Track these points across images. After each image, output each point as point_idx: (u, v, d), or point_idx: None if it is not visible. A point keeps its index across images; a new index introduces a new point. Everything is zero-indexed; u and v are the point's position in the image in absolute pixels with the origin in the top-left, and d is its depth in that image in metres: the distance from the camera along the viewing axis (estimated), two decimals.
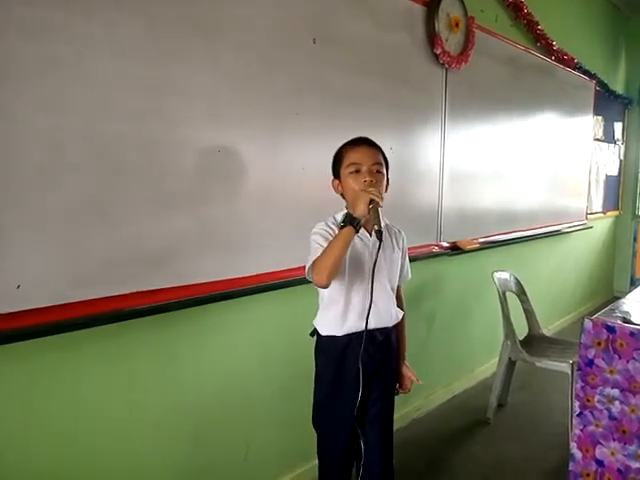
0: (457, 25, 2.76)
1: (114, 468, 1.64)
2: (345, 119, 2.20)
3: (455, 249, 3.00)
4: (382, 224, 1.42)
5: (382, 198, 1.45)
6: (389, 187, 1.60)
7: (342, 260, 1.43)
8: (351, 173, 1.51)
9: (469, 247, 3.06)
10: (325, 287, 1.45)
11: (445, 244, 2.94)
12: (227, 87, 1.77)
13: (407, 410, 2.86)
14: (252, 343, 2.03)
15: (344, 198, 1.57)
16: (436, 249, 2.87)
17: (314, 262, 1.43)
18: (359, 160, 1.51)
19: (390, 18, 2.43)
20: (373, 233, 1.52)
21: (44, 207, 1.38)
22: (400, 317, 1.67)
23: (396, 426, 2.71)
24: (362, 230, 1.51)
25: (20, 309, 1.34)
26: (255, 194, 1.90)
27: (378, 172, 1.52)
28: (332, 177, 1.59)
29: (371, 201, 1.40)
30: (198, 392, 1.86)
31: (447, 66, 2.76)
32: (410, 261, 2.63)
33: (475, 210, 3.21)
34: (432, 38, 2.65)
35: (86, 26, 1.42)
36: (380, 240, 1.42)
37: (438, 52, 2.67)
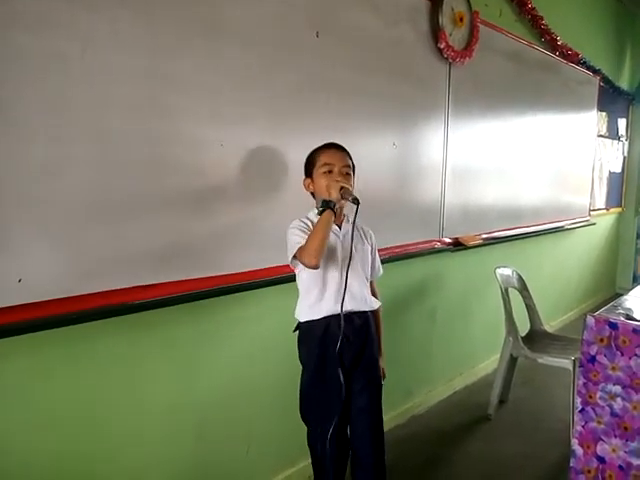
0: (461, 20, 2.74)
1: (117, 462, 1.65)
2: (348, 114, 2.20)
3: (457, 245, 2.99)
4: (356, 196, 1.60)
5: (351, 186, 1.65)
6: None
7: (327, 240, 1.58)
8: (324, 173, 1.66)
9: (472, 243, 3.05)
10: (315, 267, 1.57)
11: (447, 240, 2.94)
12: (230, 81, 1.76)
13: (407, 406, 2.86)
14: (255, 339, 2.03)
15: (313, 197, 1.73)
16: (438, 245, 2.87)
17: (302, 247, 1.57)
18: (332, 161, 1.67)
19: (394, 12, 2.41)
20: (342, 225, 1.72)
21: (46, 201, 1.37)
22: (376, 306, 1.78)
23: (396, 422, 2.74)
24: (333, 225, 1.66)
25: (21, 302, 1.34)
26: (259, 188, 1.90)
27: (347, 174, 1.68)
28: (304, 177, 1.74)
29: (342, 187, 1.60)
30: (202, 387, 1.87)
31: (451, 61, 2.75)
32: (412, 257, 2.67)
33: (478, 206, 3.20)
34: (436, 32, 2.63)
35: (90, 22, 1.41)
36: (358, 204, 1.58)
37: (442, 47, 2.65)
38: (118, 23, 1.47)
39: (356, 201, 1.58)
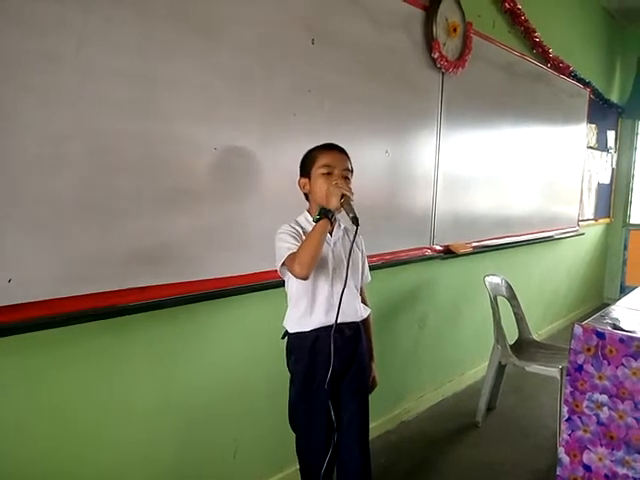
0: (455, 30, 2.78)
1: (101, 464, 1.63)
2: (342, 120, 2.21)
3: (448, 253, 3.01)
4: (356, 214, 1.50)
5: (352, 193, 1.53)
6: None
7: (321, 251, 1.50)
8: (323, 174, 1.58)
9: (462, 251, 3.07)
10: (306, 278, 1.50)
11: (438, 247, 2.95)
12: (224, 85, 1.77)
13: (397, 412, 2.86)
14: (244, 342, 2.03)
15: (307, 199, 1.67)
16: (429, 252, 2.88)
17: (293, 256, 1.49)
18: (333, 163, 1.59)
19: (389, 21, 2.44)
20: (334, 231, 1.64)
21: (38, 201, 1.37)
22: (366, 315, 1.73)
23: (385, 428, 2.75)
24: None
25: (11, 303, 1.33)
26: (251, 193, 1.90)
27: (347, 178, 1.61)
28: (299, 177, 1.66)
29: (342, 195, 1.50)
30: (189, 389, 1.86)
31: (444, 70, 2.78)
32: (403, 264, 2.69)
33: (468, 214, 3.22)
34: (430, 42, 2.66)
35: (83, 21, 1.41)
36: (357, 225, 1.49)
37: (435, 56, 2.68)
38: (112, 23, 1.47)
39: (355, 221, 1.48)
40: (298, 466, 1.74)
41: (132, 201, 1.56)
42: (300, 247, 1.49)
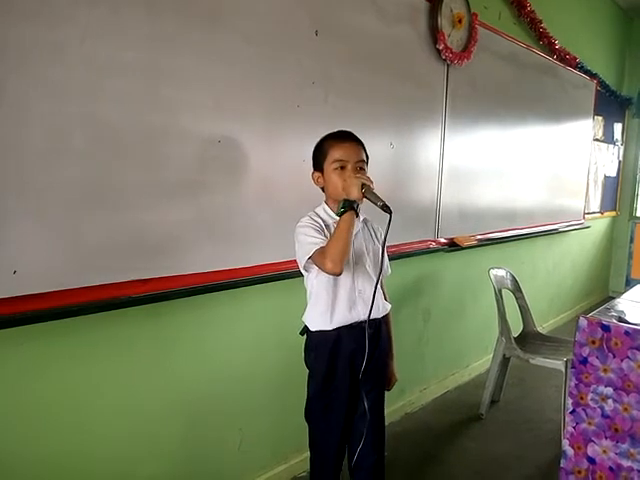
0: (460, 21, 2.75)
1: (106, 455, 1.65)
2: (346, 112, 2.20)
3: (452, 245, 3.00)
4: (385, 202, 1.43)
5: (372, 182, 1.47)
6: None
7: (351, 245, 1.45)
8: (336, 169, 1.51)
9: (467, 244, 3.06)
10: (339, 274, 1.44)
11: (443, 240, 2.95)
12: (228, 77, 1.77)
13: (400, 404, 2.87)
14: (249, 334, 2.03)
15: (323, 192, 1.59)
16: (433, 245, 2.88)
17: (323, 252, 1.42)
18: (345, 157, 1.50)
19: (394, 12, 2.42)
20: (357, 223, 1.54)
21: (43, 192, 1.37)
22: (388, 309, 1.68)
23: (389, 420, 2.75)
24: None
25: (16, 295, 1.34)
26: (255, 185, 1.90)
27: (361, 169, 1.53)
28: (312, 169, 1.59)
29: (362, 185, 1.43)
30: (193, 381, 1.87)
31: (449, 62, 2.76)
32: (407, 256, 2.68)
33: (473, 207, 3.21)
34: (435, 33, 2.64)
35: (89, 12, 1.41)
36: (390, 213, 1.41)
37: (441, 48, 2.66)
38: (118, 14, 1.47)
39: (387, 209, 1.40)
40: (309, 454, 1.73)
41: (137, 193, 1.56)
42: (329, 242, 1.42)
